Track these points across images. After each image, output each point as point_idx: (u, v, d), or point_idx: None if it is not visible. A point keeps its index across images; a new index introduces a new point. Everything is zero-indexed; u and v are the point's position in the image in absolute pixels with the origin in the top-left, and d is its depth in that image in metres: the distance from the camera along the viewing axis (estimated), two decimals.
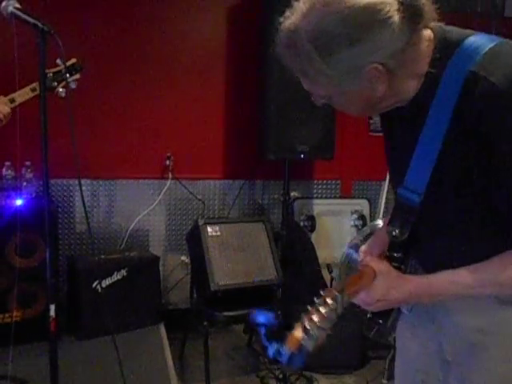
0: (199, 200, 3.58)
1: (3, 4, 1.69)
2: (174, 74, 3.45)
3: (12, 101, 2.17)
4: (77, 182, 3.22)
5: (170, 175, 3.46)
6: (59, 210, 3.25)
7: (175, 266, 3.54)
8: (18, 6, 1.68)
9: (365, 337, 2.93)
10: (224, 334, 3.44)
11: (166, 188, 3.47)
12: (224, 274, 2.76)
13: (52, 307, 1.74)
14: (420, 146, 1.06)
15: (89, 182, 3.31)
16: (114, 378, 2.56)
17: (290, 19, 1.00)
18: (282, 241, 3.25)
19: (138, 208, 3.42)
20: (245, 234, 2.94)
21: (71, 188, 3.30)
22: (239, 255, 2.86)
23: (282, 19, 1.01)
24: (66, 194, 3.32)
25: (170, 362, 2.78)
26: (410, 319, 1.26)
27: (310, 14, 0.96)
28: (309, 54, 0.97)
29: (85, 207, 2.08)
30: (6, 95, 2.20)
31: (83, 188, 3.24)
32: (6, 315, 2.80)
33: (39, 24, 1.63)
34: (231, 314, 2.75)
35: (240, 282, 2.79)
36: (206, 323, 2.70)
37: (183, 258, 3.52)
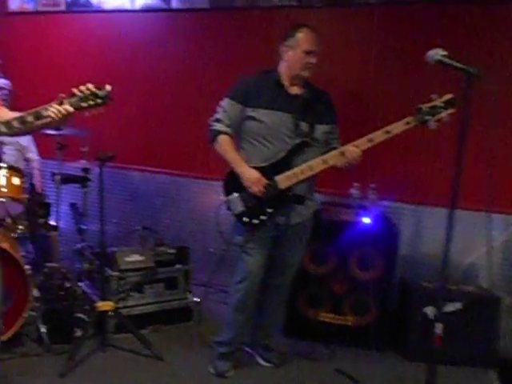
0: None
1: (431, 52, 1.94)
2: None
3: (387, 132, 2.44)
4: (413, 207, 3.41)
5: None
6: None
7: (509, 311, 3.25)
8: (444, 53, 1.91)
9: None
10: None
11: None
12: None
13: (439, 325, 1.89)
14: None
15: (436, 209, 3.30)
16: None
17: None
18: None
19: (476, 242, 3.27)
20: None
21: (409, 213, 3.46)
22: None
23: None
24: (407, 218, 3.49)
25: None
26: None
27: None
28: None
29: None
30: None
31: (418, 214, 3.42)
32: (342, 317, 3.17)
33: (469, 69, 1.82)
34: None
35: None
36: None
37: None
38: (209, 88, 3.84)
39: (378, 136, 2.48)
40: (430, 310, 2.99)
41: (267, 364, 2.94)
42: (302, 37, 2.60)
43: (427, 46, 2.03)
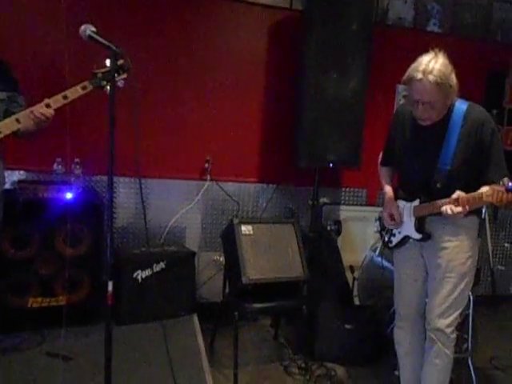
0: (234, 201, 3.77)
1: (82, 28, 1.93)
2: (216, 84, 3.69)
3: (65, 97, 2.37)
4: (120, 179, 3.47)
5: (209, 177, 3.69)
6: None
7: (208, 263, 3.74)
8: (94, 29, 1.93)
9: (380, 334, 3.22)
10: (253, 327, 3.67)
11: (204, 189, 3.69)
12: (255, 269, 2.91)
13: (110, 283, 1.89)
14: (446, 141, 2.22)
15: (132, 180, 3.50)
16: (149, 360, 2.76)
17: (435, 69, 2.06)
18: (309, 242, 3.40)
19: (176, 206, 3.64)
20: (275, 234, 3.08)
21: (115, 185, 3.48)
22: (269, 253, 3.01)
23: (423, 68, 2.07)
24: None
25: (202, 348, 2.95)
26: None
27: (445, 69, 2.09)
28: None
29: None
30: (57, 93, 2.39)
31: (124, 185, 3.50)
32: (53, 299, 3.01)
33: (112, 47, 1.90)
34: (259, 305, 2.92)
35: (269, 277, 2.94)
36: (236, 313, 2.85)
37: (216, 255, 3.72)
38: None
39: (56, 101, 2.37)
40: (138, 274, 3.14)
41: None
42: None
43: None
